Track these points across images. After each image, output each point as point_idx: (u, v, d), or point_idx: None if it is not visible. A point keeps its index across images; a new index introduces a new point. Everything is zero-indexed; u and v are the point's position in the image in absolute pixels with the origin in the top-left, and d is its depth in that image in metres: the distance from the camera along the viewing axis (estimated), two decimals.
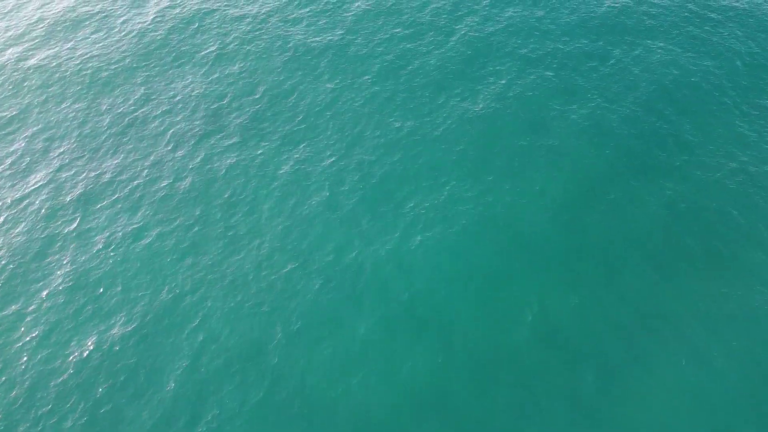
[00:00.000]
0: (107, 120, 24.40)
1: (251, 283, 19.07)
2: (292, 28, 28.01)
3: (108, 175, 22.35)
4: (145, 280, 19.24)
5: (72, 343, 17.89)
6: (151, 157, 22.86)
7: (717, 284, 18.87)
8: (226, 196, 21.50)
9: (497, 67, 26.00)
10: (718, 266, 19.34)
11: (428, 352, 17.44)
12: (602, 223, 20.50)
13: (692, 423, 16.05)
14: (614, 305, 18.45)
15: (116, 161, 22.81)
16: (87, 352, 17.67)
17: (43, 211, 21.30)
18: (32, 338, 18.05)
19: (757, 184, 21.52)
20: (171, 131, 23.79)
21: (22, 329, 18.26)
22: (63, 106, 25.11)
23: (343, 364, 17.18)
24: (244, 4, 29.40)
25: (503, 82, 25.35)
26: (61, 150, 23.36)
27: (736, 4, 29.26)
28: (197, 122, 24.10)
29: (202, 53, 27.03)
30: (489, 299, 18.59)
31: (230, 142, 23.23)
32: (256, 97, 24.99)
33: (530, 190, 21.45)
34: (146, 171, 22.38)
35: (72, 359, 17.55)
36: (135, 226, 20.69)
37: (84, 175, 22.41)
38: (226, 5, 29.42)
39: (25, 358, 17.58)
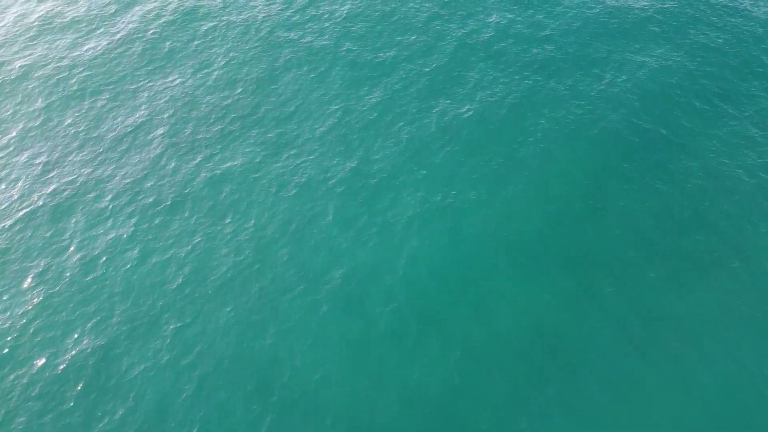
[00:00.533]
0: (101, 139, 23.71)
1: (253, 312, 18.36)
2: (293, 42, 27.52)
3: (104, 201, 21.62)
4: (143, 308, 18.48)
5: (67, 377, 17.08)
6: (148, 181, 22.15)
7: (723, 290, 18.82)
8: (227, 221, 20.84)
9: (495, 76, 25.67)
10: (724, 272, 19.25)
11: (433, 362, 17.17)
12: (602, 228, 20.33)
13: (694, 427, 15.91)
14: (616, 309, 18.33)
15: (111, 184, 22.10)
16: (80, 385, 16.86)
17: (34, 235, 20.53)
18: (24, 372, 17.22)
19: (764, 189, 21.39)
20: (168, 152, 23.13)
21: (11, 362, 17.44)
22: (55, 122, 24.41)
23: (354, 393, 16.48)
24: (245, 20, 28.91)
25: (502, 90, 25.04)
26: (54, 173, 22.63)
27: (737, 7, 29.18)
28: (197, 143, 23.47)
29: (203, 71, 26.47)
30: (489, 307, 18.33)
31: (231, 164, 22.59)
32: (258, 116, 24.42)
33: (530, 196, 21.20)
34: (142, 195, 21.69)
35: (68, 395, 16.73)
36: (132, 253, 19.96)
37: (77, 197, 21.68)
38: (226, 19, 28.93)
39: (15, 393, 16.76)
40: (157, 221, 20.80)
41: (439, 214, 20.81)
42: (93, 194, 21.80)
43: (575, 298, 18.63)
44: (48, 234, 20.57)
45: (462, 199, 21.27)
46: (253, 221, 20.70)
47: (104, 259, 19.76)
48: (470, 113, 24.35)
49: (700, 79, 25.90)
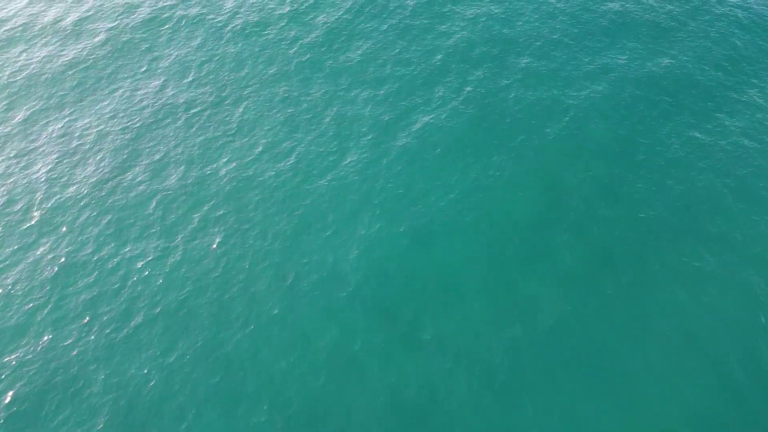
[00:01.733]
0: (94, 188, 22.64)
1: (248, 377, 17.28)
2: (288, 54, 26.44)
3: (87, 277, 20.51)
4: (123, 378, 17.39)
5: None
6: (134, 248, 20.84)
7: (724, 290, 19.01)
8: (218, 273, 19.75)
9: (480, 78, 25.63)
10: (725, 272, 19.41)
11: (423, 360, 17.37)
12: (598, 226, 20.57)
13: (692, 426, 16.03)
14: (614, 306, 18.51)
15: (90, 248, 20.95)
16: None
17: (13, 290, 19.49)
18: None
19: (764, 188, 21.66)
20: (155, 198, 22.01)
21: None
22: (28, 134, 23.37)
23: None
24: (247, 53, 27.84)
25: (488, 93, 25.05)
26: (23, 188, 21.59)
27: (727, 5, 29.20)
28: (183, 194, 22.37)
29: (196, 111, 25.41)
30: (483, 306, 18.49)
31: (223, 229, 21.44)
32: (263, 163, 23.34)
33: (527, 194, 21.42)
34: (126, 277, 20.51)
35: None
36: (123, 333, 18.86)
37: (66, 249, 20.61)
38: (227, 47, 27.87)
39: None
40: (152, 294, 19.73)
41: (436, 220, 20.66)
42: (84, 263, 20.74)
43: (569, 294, 18.78)
44: (27, 323, 19.50)
45: (456, 201, 21.32)
46: (245, 275, 19.65)
47: (97, 332, 18.67)
48: (451, 120, 24.06)
49: (692, 81, 25.69)
